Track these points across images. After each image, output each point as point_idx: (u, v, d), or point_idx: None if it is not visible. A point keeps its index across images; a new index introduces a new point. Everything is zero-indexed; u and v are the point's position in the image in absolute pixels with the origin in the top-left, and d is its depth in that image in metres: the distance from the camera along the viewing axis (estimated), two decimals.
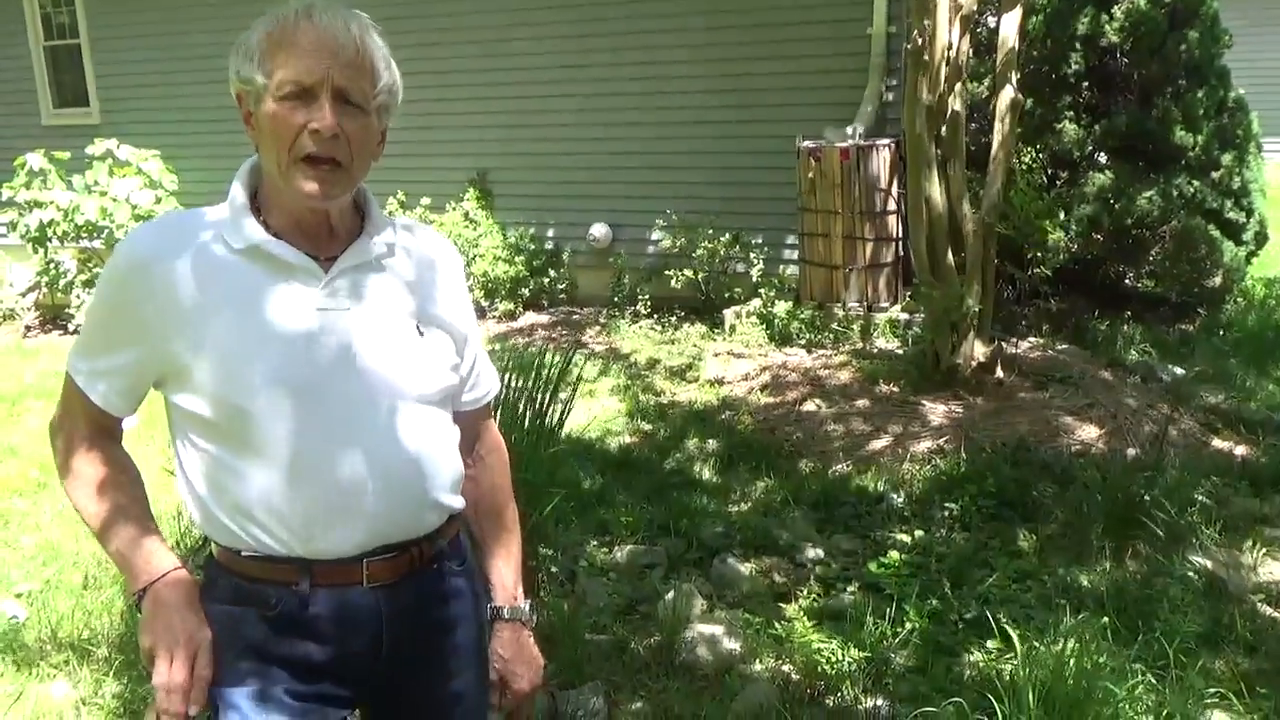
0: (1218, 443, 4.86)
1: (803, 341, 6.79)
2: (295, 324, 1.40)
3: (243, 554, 1.43)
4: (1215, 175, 6.90)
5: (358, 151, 1.40)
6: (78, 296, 8.80)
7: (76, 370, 1.46)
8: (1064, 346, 6.28)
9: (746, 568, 3.79)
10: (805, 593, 3.62)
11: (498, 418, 3.14)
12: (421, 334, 1.49)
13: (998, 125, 5.47)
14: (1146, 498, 3.95)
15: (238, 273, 1.40)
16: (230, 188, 1.46)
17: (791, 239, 7.54)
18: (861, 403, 5.51)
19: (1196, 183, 6.78)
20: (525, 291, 8.31)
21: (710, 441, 5.16)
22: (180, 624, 1.40)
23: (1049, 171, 7.03)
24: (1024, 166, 6.82)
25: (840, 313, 6.89)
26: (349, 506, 1.41)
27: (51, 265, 8.99)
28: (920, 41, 5.32)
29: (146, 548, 1.44)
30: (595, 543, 3.99)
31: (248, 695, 1.42)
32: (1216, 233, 6.83)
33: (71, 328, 8.78)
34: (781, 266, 7.59)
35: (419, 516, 1.48)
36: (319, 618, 1.44)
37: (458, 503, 1.56)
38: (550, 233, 8.50)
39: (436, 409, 1.51)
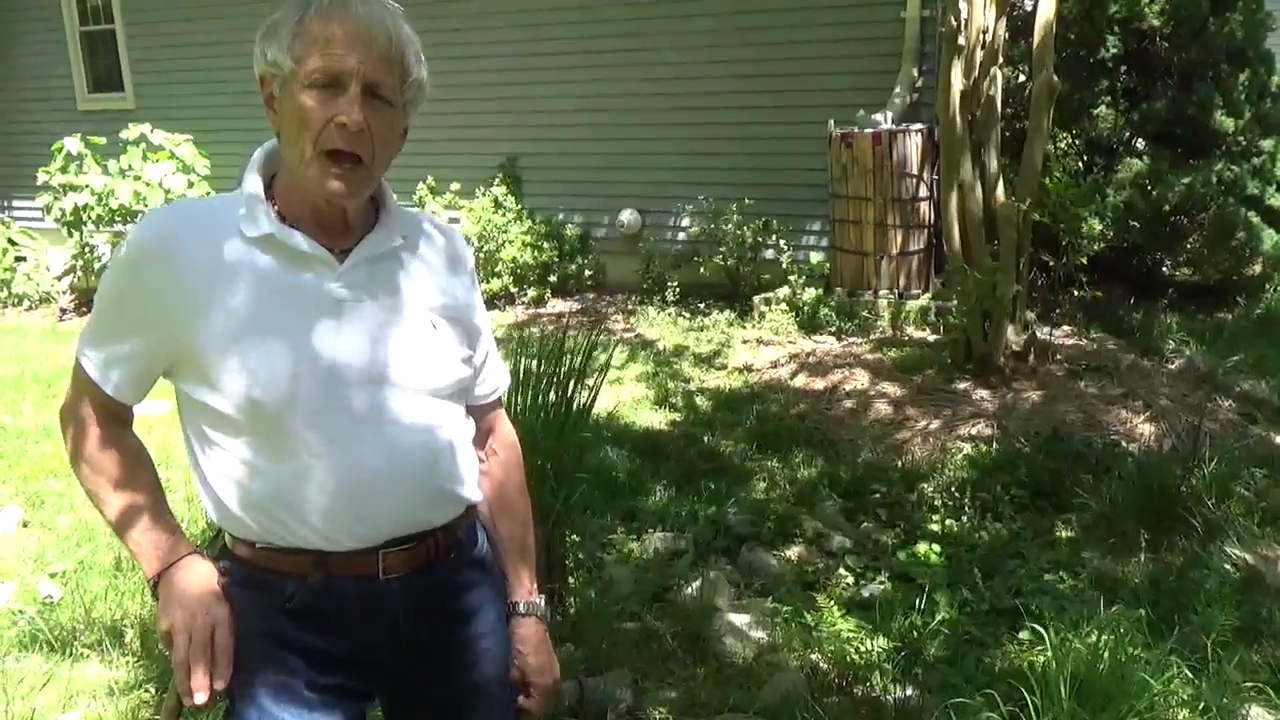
0: (1257, 432, 4.77)
1: (832, 329, 6.75)
2: (309, 315, 1.38)
3: (258, 546, 1.43)
4: (1256, 161, 6.78)
5: (380, 148, 1.37)
6: None
7: (86, 357, 1.43)
8: (1099, 335, 6.20)
9: (775, 556, 3.77)
10: (834, 582, 3.60)
11: (525, 402, 3.15)
12: (435, 327, 1.47)
13: (1033, 110, 5.38)
14: (1183, 488, 3.88)
15: (251, 262, 1.37)
16: (244, 174, 1.43)
17: (822, 225, 7.49)
18: (892, 390, 5.46)
19: (1236, 169, 6.66)
20: (553, 278, 8.30)
21: (738, 429, 5.14)
22: (196, 603, 1.39)
23: (1085, 157, 6.94)
24: (1059, 152, 6.73)
25: (871, 300, 6.84)
26: (365, 499, 1.40)
27: (86, 249, 9.09)
28: (955, 24, 5.25)
29: (161, 535, 1.44)
30: (623, 530, 3.98)
31: (265, 686, 1.42)
32: (1256, 219, 6.72)
33: None
34: (811, 253, 7.53)
35: (435, 508, 1.47)
36: (336, 609, 1.43)
37: (474, 494, 1.55)
38: (579, 219, 8.48)
39: (451, 401, 1.50)
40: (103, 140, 8.81)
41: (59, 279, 9.66)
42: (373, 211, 1.48)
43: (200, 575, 1.42)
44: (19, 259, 9.73)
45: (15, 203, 10.46)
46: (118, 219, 8.68)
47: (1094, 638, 2.74)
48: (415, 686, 1.54)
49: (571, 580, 3.41)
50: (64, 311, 9.27)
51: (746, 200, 7.58)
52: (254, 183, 1.41)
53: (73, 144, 8.68)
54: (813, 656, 3.10)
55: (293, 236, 1.38)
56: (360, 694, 1.50)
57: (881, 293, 6.89)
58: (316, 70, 1.32)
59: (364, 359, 1.40)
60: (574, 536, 3.58)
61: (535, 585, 1.67)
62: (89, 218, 8.70)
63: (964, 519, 4.02)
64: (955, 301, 5.82)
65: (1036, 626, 2.93)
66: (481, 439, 1.62)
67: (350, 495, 1.39)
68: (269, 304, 1.36)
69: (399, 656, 1.49)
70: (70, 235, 8.96)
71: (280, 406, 1.35)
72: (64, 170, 8.67)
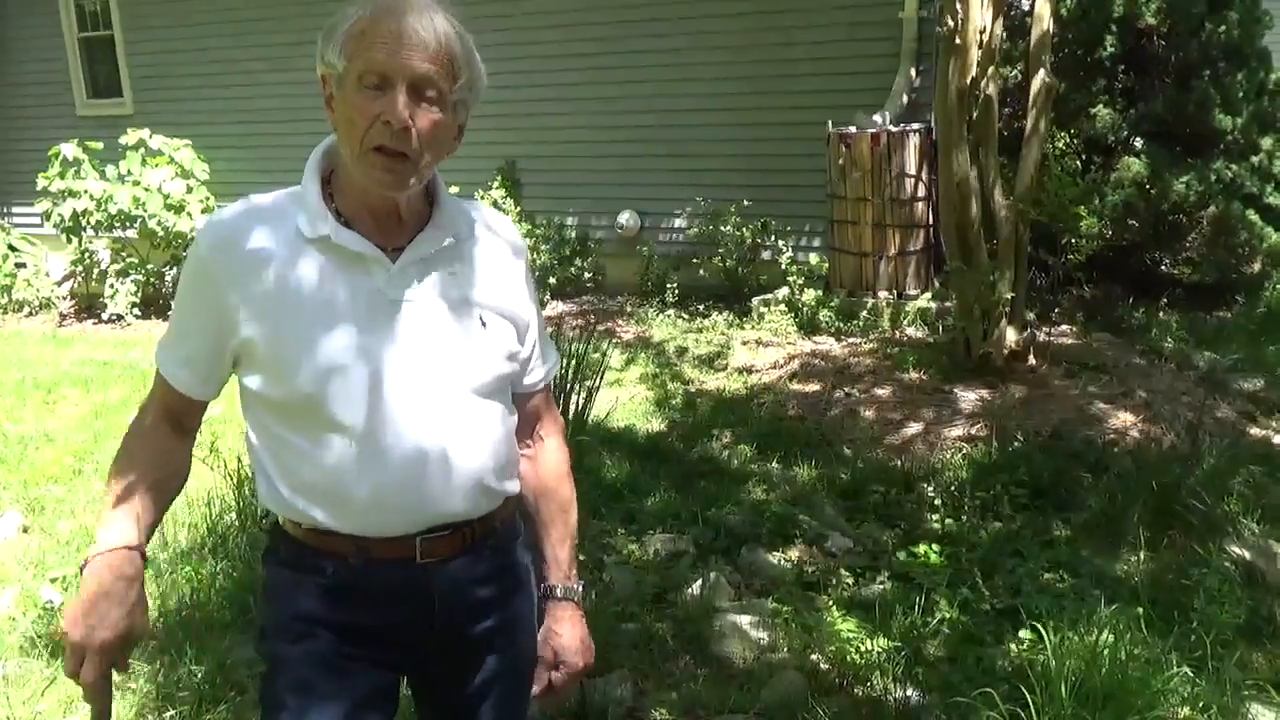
0: (1256, 430, 4.78)
1: (831, 330, 6.75)
2: (358, 313, 1.44)
3: (304, 527, 1.50)
4: (1255, 159, 6.79)
5: (427, 145, 1.41)
6: (111, 286, 8.91)
7: (160, 352, 1.52)
8: (1098, 334, 6.20)
9: (775, 557, 3.77)
10: (834, 582, 3.60)
11: None
12: (484, 324, 1.52)
13: (1031, 109, 5.39)
14: (1182, 487, 3.89)
15: (308, 260, 1.44)
16: (305, 171, 1.49)
17: (820, 226, 7.49)
18: (891, 391, 5.46)
19: (1235, 167, 6.66)
20: (553, 280, 8.31)
21: (738, 430, 5.14)
22: (95, 620, 1.37)
23: (1083, 156, 6.94)
24: (1058, 151, 6.74)
25: (870, 301, 6.84)
26: (403, 491, 1.45)
27: (86, 255, 9.10)
28: (952, 25, 5.25)
29: (115, 521, 1.43)
30: (623, 531, 3.98)
31: (299, 652, 1.50)
32: (1255, 218, 6.73)
33: (105, 316, 8.88)
34: (810, 254, 7.54)
35: (471, 501, 1.52)
36: (372, 590, 1.50)
37: (511, 487, 1.60)
38: (577, 221, 8.49)
39: (494, 397, 1.55)
40: (101, 146, 8.82)
41: (59, 285, 9.68)
42: (427, 207, 1.53)
43: (120, 576, 1.39)
44: (19, 265, 9.74)
45: (15, 208, 10.46)
46: (117, 224, 8.69)
47: (1094, 637, 2.74)
48: (442, 668, 1.60)
49: None
50: (64, 317, 9.28)
51: (745, 201, 7.59)
52: (312, 181, 1.48)
53: (69, 150, 8.69)
54: (813, 657, 3.10)
55: (346, 236, 1.44)
56: (390, 666, 1.56)
57: (880, 293, 6.89)
58: (366, 70, 1.38)
59: (408, 357, 1.45)
60: None
61: (574, 570, 1.71)
62: (88, 223, 8.71)
63: (964, 519, 4.02)
64: (954, 302, 5.83)
65: (1036, 625, 2.93)
66: (529, 425, 1.69)
67: (388, 488, 1.45)
68: (320, 301, 1.43)
69: (430, 638, 1.55)
70: (70, 241, 8.97)
71: (325, 399, 1.42)
72: (62, 176, 8.68)
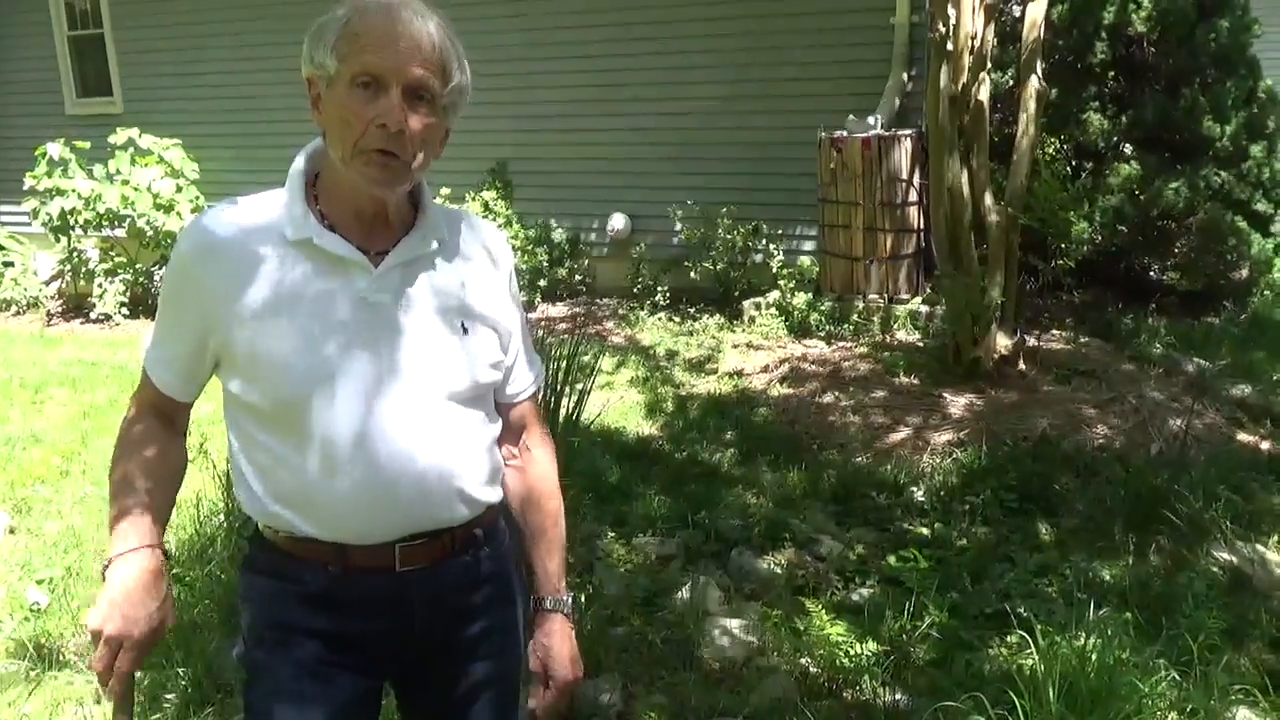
0: (1243, 436, 4.80)
1: (822, 333, 6.76)
2: (339, 318, 1.42)
3: (281, 534, 1.48)
4: (1244, 166, 6.82)
5: (420, 148, 1.41)
6: (99, 285, 8.87)
7: (146, 352, 1.51)
8: (1087, 339, 6.22)
9: (765, 560, 3.77)
10: (824, 586, 3.60)
11: None
12: (466, 330, 1.50)
13: (1022, 115, 5.41)
14: (1170, 492, 3.90)
15: (290, 264, 1.42)
16: (289, 174, 1.47)
17: (812, 230, 7.50)
18: (881, 395, 5.47)
19: (1224, 174, 6.70)
20: (543, 283, 8.30)
21: (728, 433, 5.14)
22: (131, 614, 1.37)
23: (1074, 162, 6.97)
24: (1048, 157, 6.76)
25: (860, 304, 6.85)
26: (380, 498, 1.44)
27: (74, 254, 9.05)
28: (944, 30, 5.26)
29: (131, 521, 1.43)
30: (613, 534, 3.98)
31: (279, 660, 1.48)
32: (1244, 224, 6.76)
33: (93, 316, 8.85)
34: (801, 258, 7.55)
35: (449, 509, 1.50)
36: (351, 597, 1.48)
37: (491, 495, 1.58)
38: (569, 224, 8.48)
39: (474, 405, 1.53)
40: (89, 145, 8.78)
41: (46, 284, 9.63)
42: (412, 212, 1.51)
43: (143, 574, 1.40)
44: (6, 264, 9.69)
45: (3, 207, 10.41)
46: (105, 224, 8.65)
47: (1082, 641, 2.75)
48: (425, 676, 1.59)
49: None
50: (51, 316, 9.23)
51: (737, 205, 7.59)
52: (296, 184, 1.46)
53: (55, 149, 8.64)
54: (802, 660, 3.10)
55: (329, 240, 1.43)
56: (372, 673, 1.54)
57: (871, 297, 6.90)
58: (360, 71, 1.36)
59: (387, 363, 1.44)
60: None
61: (563, 581, 1.69)
62: (76, 222, 8.67)
63: (952, 523, 4.02)
64: (944, 306, 5.84)
65: (1024, 631, 2.94)
66: (514, 435, 1.67)
67: (364, 495, 1.43)
68: (301, 305, 1.41)
69: (411, 645, 1.54)
70: (58, 240, 8.92)
71: (302, 404, 1.41)
72: (49, 175, 8.64)
